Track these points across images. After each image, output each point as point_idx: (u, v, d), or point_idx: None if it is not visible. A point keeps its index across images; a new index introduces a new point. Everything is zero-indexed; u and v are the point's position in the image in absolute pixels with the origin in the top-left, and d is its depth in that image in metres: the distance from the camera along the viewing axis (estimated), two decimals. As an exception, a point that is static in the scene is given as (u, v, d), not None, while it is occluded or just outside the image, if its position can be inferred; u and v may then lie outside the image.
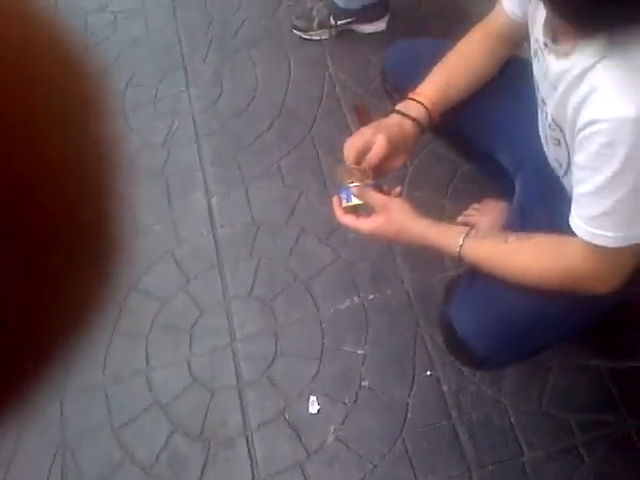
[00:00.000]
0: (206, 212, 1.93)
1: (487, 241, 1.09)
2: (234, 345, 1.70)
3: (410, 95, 1.26)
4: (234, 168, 2.01)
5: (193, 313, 1.77)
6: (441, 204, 1.79)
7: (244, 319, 1.73)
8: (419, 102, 1.24)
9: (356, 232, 1.21)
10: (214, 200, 1.96)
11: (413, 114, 1.23)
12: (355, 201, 1.18)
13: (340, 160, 1.24)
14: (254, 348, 1.69)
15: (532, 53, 1.11)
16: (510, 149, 1.33)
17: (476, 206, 1.72)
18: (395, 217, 1.13)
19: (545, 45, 1.01)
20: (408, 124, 1.23)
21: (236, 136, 2.08)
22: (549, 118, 1.04)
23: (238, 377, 1.65)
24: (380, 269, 1.74)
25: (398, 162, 1.24)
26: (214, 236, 1.89)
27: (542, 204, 1.22)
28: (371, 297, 1.70)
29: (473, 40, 1.28)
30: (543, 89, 1.07)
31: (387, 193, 1.19)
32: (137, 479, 1.57)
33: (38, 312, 0.21)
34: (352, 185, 1.17)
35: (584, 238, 0.95)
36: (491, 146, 1.36)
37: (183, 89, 2.23)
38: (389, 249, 1.75)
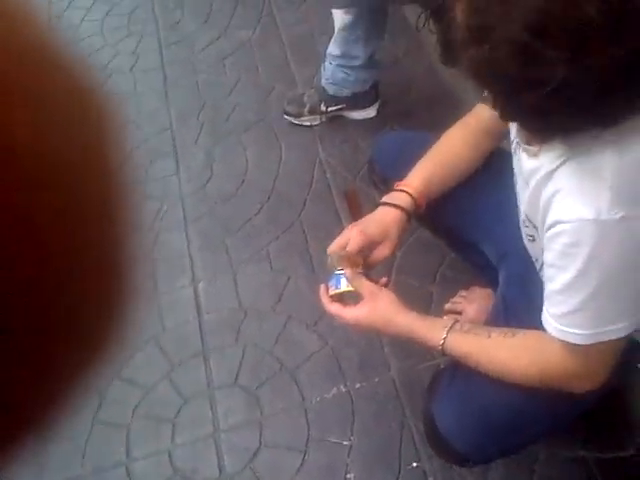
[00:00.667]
0: (192, 298, 1.92)
1: (470, 336, 1.08)
2: (217, 435, 1.66)
3: (396, 186, 1.28)
4: (222, 252, 2.01)
5: (176, 402, 1.73)
6: (429, 291, 1.78)
7: (228, 409, 1.70)
8: (405, 191, 1.25)
9: (342, 321, 1.19)
10: (201, 286, 1.95)
11: (398, 202, 1.24)
12: (344, 287, 1.17)
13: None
14: (238, 439, 1.64)
15: (512, 149, 1.13)
16: (493, 241, 1.34)
17: (463, 293, 1.72)
18: (382, 307, 1.12)
19: (517, 143, 1.04)
20: (393, 213, 1.24)
21: (225, 220, 2.09)
22: (523, 215, 1.05)
23: (221, 469, 1.61)
24: (367, 357, 1.72)
25: (384, 252, 1.24)
26: (200, 323, 1.87)
27: (524, 295, 1.22)
28: (358, 386, 1.67)
29: (457, 134, 1.30)
30: (519, 185, 1.08)
31: (375, 282, 1.19)
32: None
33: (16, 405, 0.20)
34: (342, 272, 1.16)
35: (554, 335, 0.95)
36: (474, 237, 1.37)
37: (173, 173, 2.26)
38: (377, 336, 1.73)
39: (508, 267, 1.29)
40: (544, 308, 0.97)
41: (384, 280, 1.22)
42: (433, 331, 1.10)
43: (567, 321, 0.93)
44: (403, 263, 1.84)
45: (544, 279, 0.98)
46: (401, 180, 1.29)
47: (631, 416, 1.49)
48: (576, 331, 0.93)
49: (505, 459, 1.47)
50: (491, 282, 1.41)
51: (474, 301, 1.66)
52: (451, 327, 1.09)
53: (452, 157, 1.30)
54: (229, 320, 1.86)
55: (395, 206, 1.24)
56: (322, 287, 1.21)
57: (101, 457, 1.68)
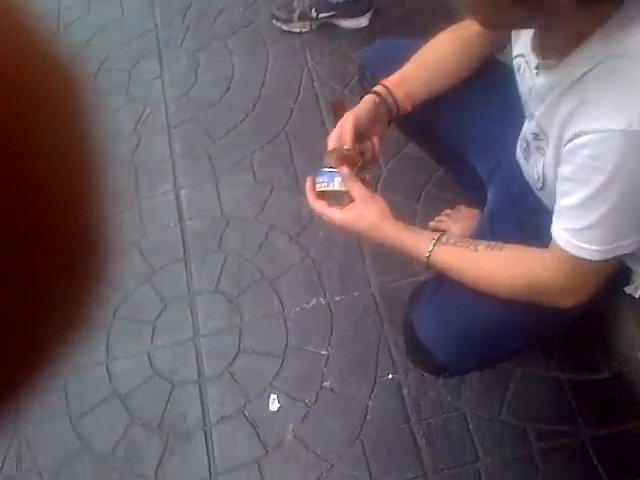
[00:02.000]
0: (174, 204, 1.91)
1: (457, 249, 1.08)
2: (197, 340, 1.69)
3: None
4: (205, 160, 1.98)
5: (157, 305, 1.75)
6: (413, 208, 1.79)
7: (208, 314, 1.72)
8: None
9: (327, 220, 1.16)
10: (183, 192, 1.94)
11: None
12: (337, 187, 1.14)
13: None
14: (217, 344, 1.68)
15: (515, 67, 1.10)
16: (484, 154, 1.32)
17: (448, 212, 1.73)
18: (370, 213, 1.11)
19: (530, 61, 1.01)
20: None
21: (208, 127, 2.06)
22: (535, 129, 1.03)
23: (199, 371, 1.65)
24: (348, 270, 1.74)
25: (378, 132, 1.22)
26: (182, 228, 1.87)
27: (513, 215, 1.22)
28: (337, 298, 1.70)
29: (447, 37, 1.25)
30: (528, 103, 1.07)
31: (368, 183, 1.16)
32: (93, 469, 1.56)
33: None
34: (335, 170, 1.13)
35: (568, 250, 0.94)
36: (464, 149, 1.35)
37: (156, 76, 2.20)
38: (359, 250, 1.75)
39: (498, 185, 1.28)
40: (554, 224, 0.96)
41: (367, 178, 1.18)
42: (420, 242, 1.09)
43: (584, 237, 0.92)
44: (389, 179, 1.84)
45: (557, 194, 0.96)
46: None
47: (609, 339, 1.54)
48: (593, 247, 0.92)
49: (480, 374, 1.52)
50: (478, 203, 1.41)
51: (459, 220, 1.67)
52: (438, 239, 1.08)
53: (439, 58, 1.26)
54: (211, 228, 1.86)
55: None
56: (309, 180, 1.17)
57: (81, 356, 1.70)
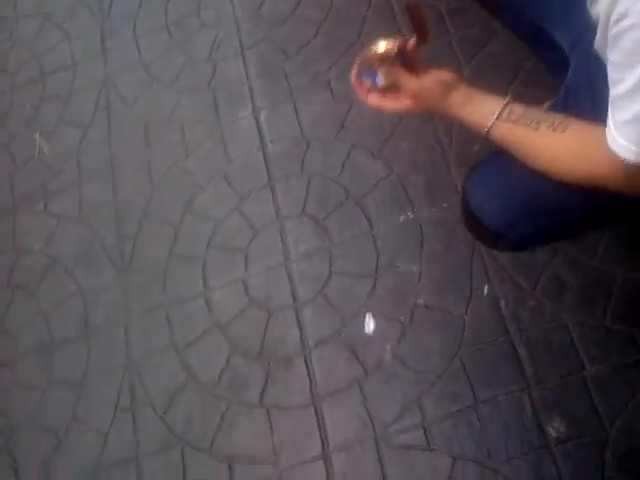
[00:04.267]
0: (255, 128, 1.89)
1: (517, 127, 1.02)
2: (288, 265, 1.70)
3: None
4: (281, 79, 1.93)
5: (247, 233, 1.77)
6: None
7: (298, 238, 1.72)
8: None
9: (389, 109, 1.14)
10: (262, 115, 1.90)
11: None
12: (383, 83, 1.11)
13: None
14: (308, 267, 1.68)
15: None
16: (565, 25, 1.21)
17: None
18: (430, 92, 1.08)
19: None
20: None
21: (282, 44, 1.99)
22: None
23: (294, 297, 1.66)
24: (434, 181, 1.68)
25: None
26: (264, 153, 1.85)
27: (588, 86, 1.11)
28: (426, 212, 1.65)
29: None
30: None
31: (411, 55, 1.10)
32: (201, 399, 1.62)
33: None
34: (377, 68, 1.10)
35: (613, 149, 0.86)
36: (545, 20, 1.24)
37: (226, -4, 2.14)
38: (443, 159, 1.67)
39: (578, 56, 1.17)
40: (608, 114, 0.87)
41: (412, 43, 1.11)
42: (481, 114, 1.05)
43: (625, 132, 0.84)
44: (472, 79, 1.70)
45: (609, 83, 0.87)
46: None
47: None
48: (632, 147, 0.83)
49: (580, 281, 1.45)
50: (560, 75, 1.31)
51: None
52: (499, 114, 1.02)
53: None
54: (293, 150, 1.83)
55: None
56: (354, 80, 1.14)
57: (180, 288, 1.76)
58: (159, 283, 1.77)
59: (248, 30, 2.05)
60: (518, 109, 1.03)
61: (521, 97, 1.64)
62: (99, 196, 1.95)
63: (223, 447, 1.56)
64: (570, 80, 1.19)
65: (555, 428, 1.39)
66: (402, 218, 1.66)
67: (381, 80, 1.10)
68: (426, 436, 1.45)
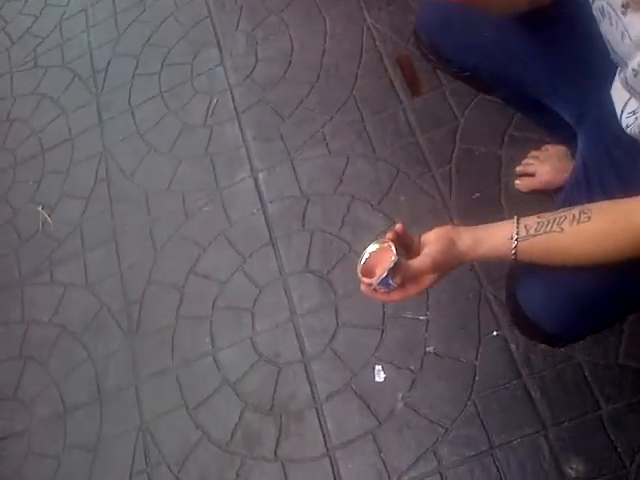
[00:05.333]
0: (254, 189, 1.92)
1: (541, 238, 0.96)
2: (295, 320, 1.70)
3: None
4: (277, 140, 1.98)
5: (252, 292, 1.78)
6: (497, 155, 1.72)
7: (302, 294, 1.73)
8: None
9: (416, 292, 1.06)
10: (261, 176, 1.94)
11: None
12: (395, 283, 1.03)
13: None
14: (315, 322, 1.69)
15: (597, 11, 0.99)
16: (570, 97, 1.19)
17: (534, 153, 1.64)
18: (441, 258, 1.01)
19: (623, 6, 0.90)
20: None
21: (276, 106, 2.04)
22: (635, 69, 0.93)
23: (302, 351, 1.66)
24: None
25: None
26: (264, 213, 1.88)
27: (609, 160, 1.11)
28: (428, 260, 1.66)
29: None
30: (621, 50, 0.95)
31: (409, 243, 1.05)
32: (215, 457, 1.62)
33: None
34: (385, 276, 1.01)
35: None
36: (545, 93, 1.24)
37: (218, 63, 2.20)
38: (446, 211, 1.70)
39: (587, 131, 1.16)
40: None
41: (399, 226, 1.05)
42: (498, 247, 0.99)
43: None
44: (467, 128, 1.77)
45: None
46: (450, 46, 1.17)
47: None
48: None
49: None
50: (565, 139, 1.30)
51: (547, 160, 1.58)
52: (517, 236, 0.97)
53: None
54: (293, 207, 1.86)
55: None
56: (367, 290, 1.06)
57: (188, 350, 1.77)
58: (167, 345, 1.78)
59: (242, 93, 2.11)
60: (531, 221, 0.98)
61: (518, 142, 1.71)
62: (104, 264, 1.98)
63: (240, 505, 1.55)
64: (585, 155, 1.16)
65: (574, 468, 1.37)
66: (405, 267, 1.67)
67: (394, 281, 1.02)
68: (444, 483, 1.44)
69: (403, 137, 1.83)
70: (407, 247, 1.04)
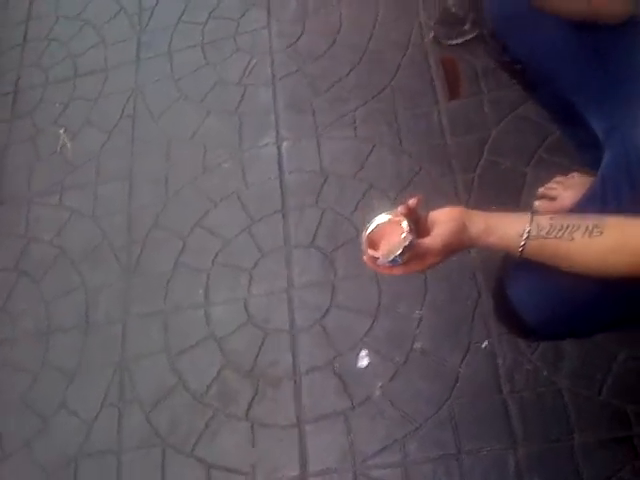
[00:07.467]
0: (275, 157, 1.93)
1: (551, 242, 0.97)
2: (291, 291, 1.71)
3: None
4: (308, 114, 1.98)
5: (254, 255, 1.79)
6: (522, 172, 1.72)
7: (303, 267, 1.74)
8: None
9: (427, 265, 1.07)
10: (285, 145, 1.94)
11: None
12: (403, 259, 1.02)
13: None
14: (310, 297, 1.70)
15: None
16: (601, 111, 1.22)
17: (559, 179, 1.64)
18: (451, 248, 1.03)
19: None
20: None
21: (313, 80, 2.04)
22: None
23: (292, 322, 1.67)
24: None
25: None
26: (281, 181, 1.88)
27: (627, 176, 1.13)
28: (433, 260, 1.67)
29: None
30: None
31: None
32: (188, 405, 1.64)
33: None
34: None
35: None
36: (581, 102, 1.25)
37: (264, 25, 2.20)
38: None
39: (614, 145, 1.16)
40: None
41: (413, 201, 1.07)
42: (508, 239, 1.00)
43: None
44: (498, 141, 1.77)
45: None
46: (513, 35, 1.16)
47: None
48: None
49: (581, 353, 1.47)
50: (591, 163, 1.31)
51: (571, 188, 1.58)
52: (528, 234, 0.98)
53: None
54: (310, 182, 1.86)
55: None
56: (368, 260, 1.07)
57: (181, 297, 1.78)
58: (161, 289, 1.80)
59: (282, 60, 2.11)
60: (544, 222, 0.98)
61: (545, 164, 1.71)
62: (114, 198, 1.98)
63: (203, 453, 1.58)
64: (606, 170, 1.16)
65: (535, 490, 1.39)
66: (409, 262, 1.68)
67: (402, 258, 1.01)
68: (404, 476, 1.45)
69: (432, 136, 1.83)
70: (414, 222, 1.03)
